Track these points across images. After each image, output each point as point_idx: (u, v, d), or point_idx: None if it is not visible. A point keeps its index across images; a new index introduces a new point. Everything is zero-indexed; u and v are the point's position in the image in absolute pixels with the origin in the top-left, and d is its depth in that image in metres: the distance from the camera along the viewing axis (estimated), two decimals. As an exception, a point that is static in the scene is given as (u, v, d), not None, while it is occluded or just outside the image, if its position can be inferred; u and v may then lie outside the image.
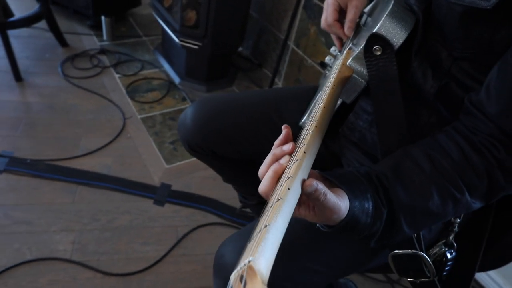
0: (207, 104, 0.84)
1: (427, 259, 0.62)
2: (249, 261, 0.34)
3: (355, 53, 0.66)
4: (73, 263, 1.29)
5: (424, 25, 0.60)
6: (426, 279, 0.64)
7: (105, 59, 2.18)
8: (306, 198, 0.47)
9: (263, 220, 0.39)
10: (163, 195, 1.56)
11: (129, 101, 1.95)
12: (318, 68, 1.93)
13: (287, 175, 0.43)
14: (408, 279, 0.66)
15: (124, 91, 2.00)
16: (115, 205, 1.49)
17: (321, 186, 0.44)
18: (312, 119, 0.54)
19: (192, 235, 1.45)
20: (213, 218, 1.51)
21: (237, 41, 2.07)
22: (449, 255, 0.68)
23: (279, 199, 0.40)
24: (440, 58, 0.59)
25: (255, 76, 2.27)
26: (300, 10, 1.91)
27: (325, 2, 0.82)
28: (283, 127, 0.52)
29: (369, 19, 0.77)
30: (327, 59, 0.92)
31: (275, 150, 0.49)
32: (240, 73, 2.27)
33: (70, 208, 1.45)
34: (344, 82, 0.65)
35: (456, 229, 0.68)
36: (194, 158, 1.76)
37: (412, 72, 0.62)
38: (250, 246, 0.37)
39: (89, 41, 2.29)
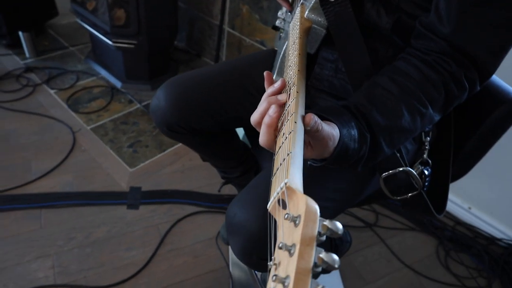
0: (178, 83, 0.84)
1: (413, 172, 0.69)
2: (285, 183, 0.36)
3: (310, 5, 0.70)
4: (59, 287, 1.23)
5: None
6: (415, 192, 0.71)
7: (34, 77, 2.04)
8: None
9: (282, 152, 0.42)
10: (135, 198, 1.53)
11: (73, 114, 1.86)
12: (258, 45, 1.97)
13: (290, 112, 0.46)
14: (399, 198, 0.73)
15: (64, 105, 1.90)
16: (88, 219, 1.43)
17: (317, 118, 0.48)
18: (292, 67, 0.58)
19: (174, 229, 1.44)
20: (191, 209, 1.51)
21: (172, 34, 2.04)
22: (426, 172, 0.76)
23: (291, 132, 0.43)
24: None
25: (197, 66, 2.26)
26: (229, -9, 1.93)
27: None
28: (280, 80, 0.54)
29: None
30: (278, 22, 0.96)
31: (269, 99, 0.52)
32: (182, 66, 2.25)
33: (40, 234, 1.37)
34: (307, 33, 0.69)
35: (427, 147, 0.76)
36: (158, 156, 1.75)
37: (367, 13, 0.68)
38: (279, 174, 0.40)
39: (11, 62, 2.13)
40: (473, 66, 0.60)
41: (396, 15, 0.66)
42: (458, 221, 1.60)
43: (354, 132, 0.55)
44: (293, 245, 0.31)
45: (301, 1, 0.78)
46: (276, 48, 0.96)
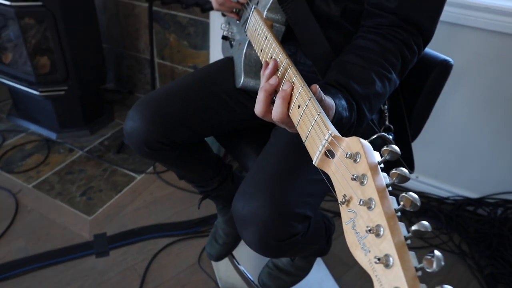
0: (149, 100, 0.84)
1: (387, 136, 0.78)
2: (330, 134, 0.41)
3: (268, 6, 0.77)
4: None
5: None
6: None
7: (-49, 147, 1.84)
8: None
9: (308, 117, 0.46)
10: (103, 244, 1.43)
11: (9, 176, 1.70)
12: (191, 70, 2.01)
13: (300, 86, 0.51)
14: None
15: (-5, 169, 1.73)
16: (54, 281, 1.31)
17: (320, 89, 0.54)
18: (278, 54, 0.63)
19: (153, 266, 1.38)
20: (164, 241, 1.46)
21: (102, 74, 1.99)
22: (391, 137, 0.86)
23: (310, 99, 0.47)
24: None
25: (131, 104, 2.22)
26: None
27: None
28: (271, 60, 0.58)
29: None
30: (225, 33, 1.02)
31: (265, 87, 0.56)
32: (117, 106, 2.19)
33: (2, 309, 1.21)
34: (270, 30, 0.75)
35: (387, 114, 0.86)
36: (115, 198, 1.67)
37: (317, 5, 0.77)
38: (314, 133, 0.44)
39: None
40: (418, 32, 0.71)
41: (343, 3, 0.76)
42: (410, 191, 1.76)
43: (343, 102, 0.61)
44: (363, 175, 0.35)
45: (252, 7, 0.85)
46: (228, 56, 1.01)
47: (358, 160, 0.36)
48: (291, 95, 0.53)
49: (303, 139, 0.46)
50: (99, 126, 2.01)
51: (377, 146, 0.82)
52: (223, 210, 1.13)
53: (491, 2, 1.30)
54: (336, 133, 0.41)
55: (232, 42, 1.00)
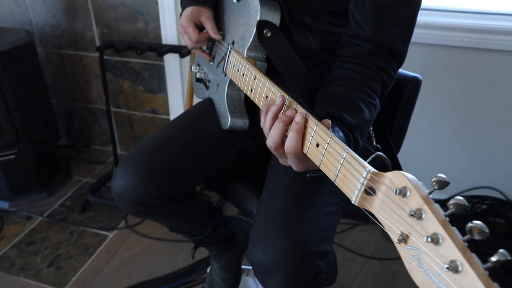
0: (137, 155, 0.79)
1: (383, 154, 0.80)
2: (369, 171, 0.40)
3: (247, 45, 0.77)
4: None
5: (285, 4, 0.76)
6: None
7: None
8: None
9: (334, 155, 0.45)
10: (84, 317, 1.30)
11: (-40, 259, 1.51)
12: (150, 115, 1.95)
13: (314, 124, 0.51)
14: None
15: None
16: None
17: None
18: (273, 93, 0.62)
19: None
20: (152, 300, 1.36)
21: (54, 132, 1.87)
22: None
23: (331, 137, 0.47)
24: (308, 22, 0.77)
25: (88, 157, 2.10)
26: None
27: (180, 29, 0.90)
28: (280, 96, 0.58)
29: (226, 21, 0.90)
30: (199, 75, 1.00)
31: (283, 118, 0.55)
32: (73, 162, 2.05)
33: None
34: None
35: (373, 134, 0.89)
36: (88, 262, 1.53)
37: (296, 40, 0.78)
38: (346, 172, 0.43)
39: None
40: (392, 57, 0.74)
41: (319, 35, 0.78)
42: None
43: (342, 134, 0.62)
44: (419, 209, 0.35)
45: (228, 47, 0.85)
46: (205, 97, 0.99)
47: (408, 195, 0.36)
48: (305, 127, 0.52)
49: (332, 178, 0.45)
50: (57, 187, 1.87)
51: (377, 165, 0.84)
52: (217, 256, 1.08)
53: (431, 19, 1.42)
54: (373, 169, 0.41)
55: (208, 84, 0.98)
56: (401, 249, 0.35)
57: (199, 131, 0.86)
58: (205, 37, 0.89)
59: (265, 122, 0.58)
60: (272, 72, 0.80)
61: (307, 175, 0.68)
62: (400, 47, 0.74)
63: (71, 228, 1.65)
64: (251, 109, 0.85)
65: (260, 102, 0.67)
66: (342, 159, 0.44)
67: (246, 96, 0.88)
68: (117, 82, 1.92)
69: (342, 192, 0.80)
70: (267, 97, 0.64)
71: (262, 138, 0.92)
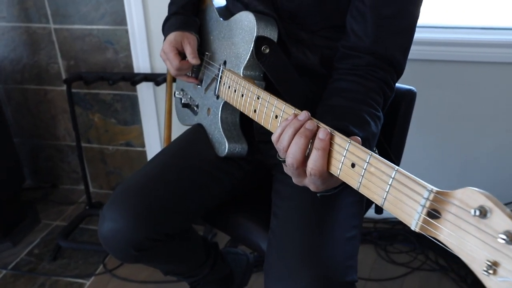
0: (129, 193, 0.69)
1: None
2: (431, 190, 0.35)
3: (244, 64, 0.72)
4: None
5: (280, 20, 0.72)
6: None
7: None
8: None
9: (380, 176, 0.40)
10: None
11: None
12: (124, 148, 1.84)
13: (346, 141, 0.45)
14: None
15: None
16: None
17: None
18: (285, 113, 0.57)
19: None
20: None
21: (18, 174, 1.72)
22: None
23: (371, 154, 0.41)
24: (304, 38, 0.73)
25: (57, 198, 1.94)
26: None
27: (162, 55, 0.84)
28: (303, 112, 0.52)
29: (215, 40, 0.84)
30: (184, 100, 0.93)
31: (305, 132, 0.50)
32: (40, 205, 1.88)
33: None
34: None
35: (375, 148, 0.85)
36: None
37: (294, 57, 0.74)
38: (399, 194, 0.37)
39: None
40: (392, 68, 0.71)
41: (318, 51, 0.74)
42: (375, 221, 1.78)
43: None
44: (507, 231, 0.30)
45: (220, 68, 0.79)
46: (192, 123, 0.92)
47: (489, 215, 0.30)
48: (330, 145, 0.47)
49: (379, 202, 0.39)
50: (23, 234, 1.70)
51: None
52: (215, 297, 0.98)
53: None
54: (435, 187, 0.35)
55: (196, 109, 0.91)
56: (489, 282, 0.29)
57: (193, 160, 0.79)
58: (188, 65, 0.84)
59: (282, 138, 0.52)
60: (269, 91, 0.75)
61: (318, 195, 0.62)
62: (399, 57, 0.71)
63: (42, 279, 1.48)
64: (244, 132, 0.80)
65: (268, 123, 0.61)
66: (391, 179, 0.38)
67: (240, 119, 0.82)
68: (87, 115, 1.80)
69: (360, 214, 0.75)
70: (276, 117, 0.58)
71: (261, 162, 0.86)
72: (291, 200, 0.70)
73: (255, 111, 0.65)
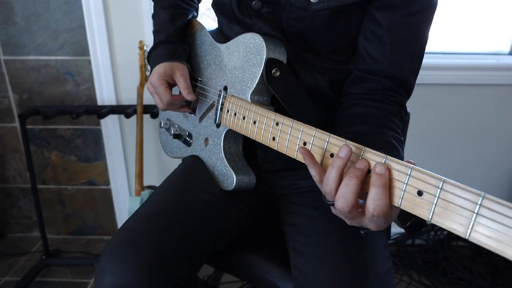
0: (132, 240, 0.58)
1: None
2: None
3: (251, 88, 0.67)
4: None
5: (287, 42, 0.68)
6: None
7: None
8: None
9: (460, 202, 0.36)
10: None
11: None
12: (86, 187, 1.68)
13: (407, 167, 0.41)
14: (407, 224, 0.73)
15: None
16: None
17: None
18: (316, 139, 0.52)
19: None
20: None
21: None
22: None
23: (443, 180, 0.38)
24: (311, 61, 0.70)
25: (8, 249, 1.70)
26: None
27: (149, 88, 0.77)
28: (343, 146, 0.47)
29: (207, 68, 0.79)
30: (174, 131, 0.86)
31: (355, 172, 0.45)
32: (-15, 258, 1.64)
33: None
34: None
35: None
36: None
37: (303, 79, 0.70)
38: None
39: None
40: (405, 91, 0.70)
41: (326, 73, 0.71)
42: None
43: None
44: None
45: (221, 94, 0.73)
46: (185, 155, 0.85)
47: None
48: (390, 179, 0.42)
49: (463, 234, 0.35)
50: (-34, 296, 1.45)
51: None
52: None
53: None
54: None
55: (189, 140, 0.84)
56: None
57: (198, 194, 0.71)
58: (180, 100, 0.77)
59: (326, 178, 0.47)
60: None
61: (361, 232, 0.57)
62: (412, 80, 0.71)
63: None
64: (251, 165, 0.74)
65: (293, 151, 0.55)
66: (477, 206, 0.34)
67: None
68: (42, 153, 1.63)
69: (387, 242, 0.71)
70: (305, 143, 0.53)
71: (266, 194, 0.80)
72: (317, 234, 0.64)
73: (273, 138, 0.59)
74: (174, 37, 0.82)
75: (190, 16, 0.87)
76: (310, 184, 0.75)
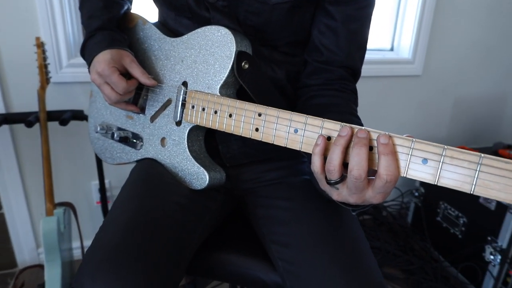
0: (115, 252, 0.49)
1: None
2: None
3: (220, 82, 0.65)
4: None
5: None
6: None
7: None
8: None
9: (465, 164, 0.42)
10: None
11: None
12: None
13: (409, 140, 0.46)
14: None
15: None
16: None
17: None
18: (307, 123, 0.54)
19: None
20: None
21: None
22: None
23: (445, 148, 0.44)
24: (265, 54, 0.71)
25: None
26: None
27: (96, 79, 0.69)
28: (344, 127, 0.50)
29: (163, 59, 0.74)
30: (117, 134, 0.77)
31: (362, 141, 0.48)
32: None
33: None
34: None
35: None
36: None
37: (264, 71, 0.70)
38: (496, 168, 0.40)
39: None
40: (355, 80, 0.76)
41: (283, 67, 0.73)
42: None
43: None
44: None
45: (181, 91, 0.69)
46: (134, 160, 0.78)
47: None
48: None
49: (468, 190, 0.41)
50: None
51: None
52: None
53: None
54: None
55: (139, 142, 0.77)
56: None
57: (170, 197, 0.65)
58: (134, 85, 0.71)
59: (330, 158, 0.48)
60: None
61: (354, 213, 0.61)
62: (360, 66, 0.76)
63: None
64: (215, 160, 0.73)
65: (283, 141, 0.56)
66: (478, 165, 0.41)
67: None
68: None
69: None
70: (296, 131, 0.55)
71: (230, 190, 0.78)
72: (298, 224, 0.65)
73: (257, 129, 0.59)
74: (111, 23, 0.74)
75: (125, 8, 0.80)
76: (278, 176, 0.77)
